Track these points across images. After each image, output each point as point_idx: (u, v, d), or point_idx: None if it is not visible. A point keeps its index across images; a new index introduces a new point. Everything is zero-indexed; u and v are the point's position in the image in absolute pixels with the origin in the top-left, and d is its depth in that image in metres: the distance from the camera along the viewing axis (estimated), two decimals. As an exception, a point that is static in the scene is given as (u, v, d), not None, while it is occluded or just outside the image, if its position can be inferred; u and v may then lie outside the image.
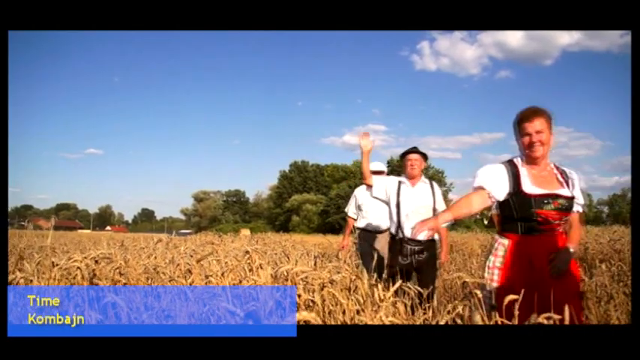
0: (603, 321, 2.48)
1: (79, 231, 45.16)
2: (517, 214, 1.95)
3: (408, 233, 3.18)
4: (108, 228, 73.64)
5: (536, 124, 1.93)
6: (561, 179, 2.01)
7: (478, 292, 1.55)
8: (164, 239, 4.31)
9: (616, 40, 61.48)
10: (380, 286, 1.93)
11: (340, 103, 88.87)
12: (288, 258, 3.13)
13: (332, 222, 42.21)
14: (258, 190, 73.97)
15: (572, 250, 1.95)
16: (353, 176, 48.83)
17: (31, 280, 2.21)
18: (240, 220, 59.19)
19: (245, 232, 24.10)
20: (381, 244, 3.97)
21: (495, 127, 77.97)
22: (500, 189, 1.97)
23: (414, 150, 3.37)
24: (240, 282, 2.16)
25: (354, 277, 1.98)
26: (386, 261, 3.40)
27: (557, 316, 1.33)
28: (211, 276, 2.23)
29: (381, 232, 4.08)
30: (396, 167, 34.20)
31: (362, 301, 1.84)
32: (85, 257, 2.32)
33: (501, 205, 2.02)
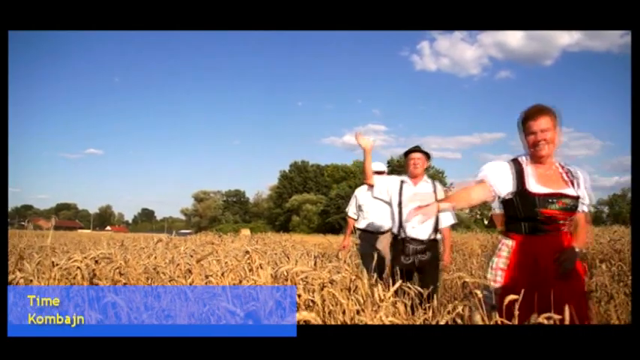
0: (603, 321, 2.48)
1: (79, 231, 45.13)
2: (521, 214, 1.93)
3: (410, 233, 3.17)
4: (108, 228, 73.57)
5: (542, 123, 1.91)
6: (567, 178, 1.98)
7: (478, 292, 1.55)
8: (164, 239, 4.29)
9: (616, 40, 61.46)
10: (380, 286, 1.93)
11: (340, 103, 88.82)
12: (288, 258, 3.12)
13: (332, 222, 42.20)
14: (258, 190, 73.88)
15: (577, 249, 1.93)
16: (353, 176, 48.82)
17: (31, 280, 2.21)
18: (240, 220, 59.13)
19: (245, 232, 24.10)
20: (382, 244, 3.97)
21: (495, 127, 78.16)
22: (502, 184, 1.96)
23: (417, 149, 3.35)
24: (240, 282, 2.15)
25: (354, 277, 1.98)
26: (387, 262, 3.39)
27: (557, 316, 1.33)
28: (211, 276, 2.23)
29: (382, 232, 4.08)
30: (396, 167, 34.26)
31: (362, 301, 1.83)
32: (85, 257, 2.32)
33: (505, 204, 2.00)
